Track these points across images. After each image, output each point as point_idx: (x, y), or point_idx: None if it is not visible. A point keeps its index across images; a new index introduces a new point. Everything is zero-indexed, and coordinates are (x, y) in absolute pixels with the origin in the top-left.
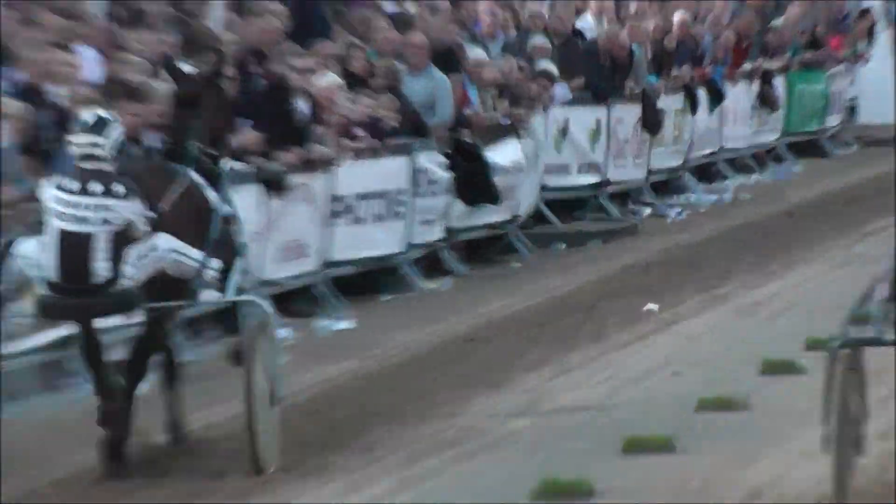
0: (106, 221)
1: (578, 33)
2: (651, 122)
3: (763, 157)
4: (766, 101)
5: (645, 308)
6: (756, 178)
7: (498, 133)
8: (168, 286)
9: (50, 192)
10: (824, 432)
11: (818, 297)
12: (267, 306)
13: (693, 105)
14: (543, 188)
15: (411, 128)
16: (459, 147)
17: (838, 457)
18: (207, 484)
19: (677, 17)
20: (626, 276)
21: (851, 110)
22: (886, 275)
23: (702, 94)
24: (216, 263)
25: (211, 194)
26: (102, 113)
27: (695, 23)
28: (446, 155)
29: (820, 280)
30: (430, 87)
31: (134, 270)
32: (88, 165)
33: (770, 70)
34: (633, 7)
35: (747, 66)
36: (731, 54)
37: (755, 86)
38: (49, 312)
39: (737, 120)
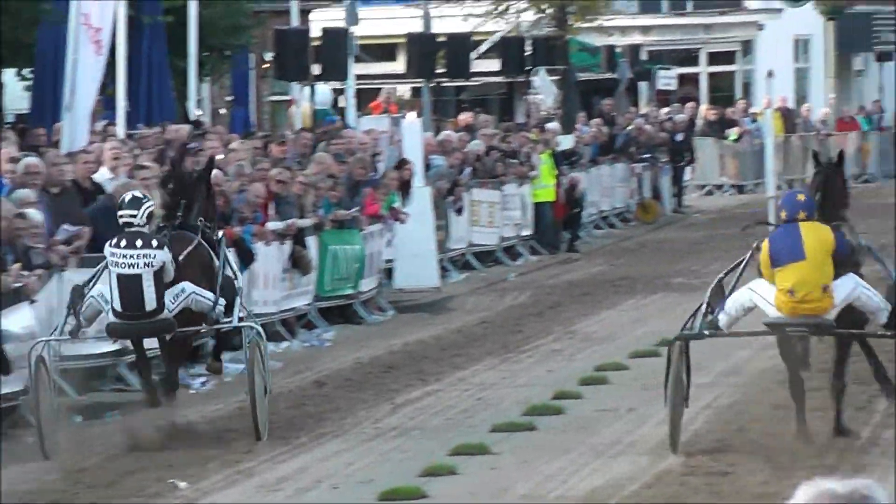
0: (147, 265)
1: (97, 186)
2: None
3: (293, 324)
4: (297, 262)
5: (170, 481)
6: (286, 346)
7: (9, 298)
8: (193, 316)
9: (108, 250)
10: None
11: (346, 473)
12: (259, 329)
13: None
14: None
15: None
16: None
17: (673, 409)
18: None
19: None
20: (147, 451)
21: (388, 273)
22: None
23: (230, 255)
24: (223, 301)
25: (211, 252)
26: (137, 193)
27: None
28: None
29: (348, 455)
30: None
31: (171, 305)
32: (130, 229)
33: (302, 229)
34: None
35: (278, 223)
36: (262, 210)
37: (287, 246)
38: (115, 334)
39: (267, 283)
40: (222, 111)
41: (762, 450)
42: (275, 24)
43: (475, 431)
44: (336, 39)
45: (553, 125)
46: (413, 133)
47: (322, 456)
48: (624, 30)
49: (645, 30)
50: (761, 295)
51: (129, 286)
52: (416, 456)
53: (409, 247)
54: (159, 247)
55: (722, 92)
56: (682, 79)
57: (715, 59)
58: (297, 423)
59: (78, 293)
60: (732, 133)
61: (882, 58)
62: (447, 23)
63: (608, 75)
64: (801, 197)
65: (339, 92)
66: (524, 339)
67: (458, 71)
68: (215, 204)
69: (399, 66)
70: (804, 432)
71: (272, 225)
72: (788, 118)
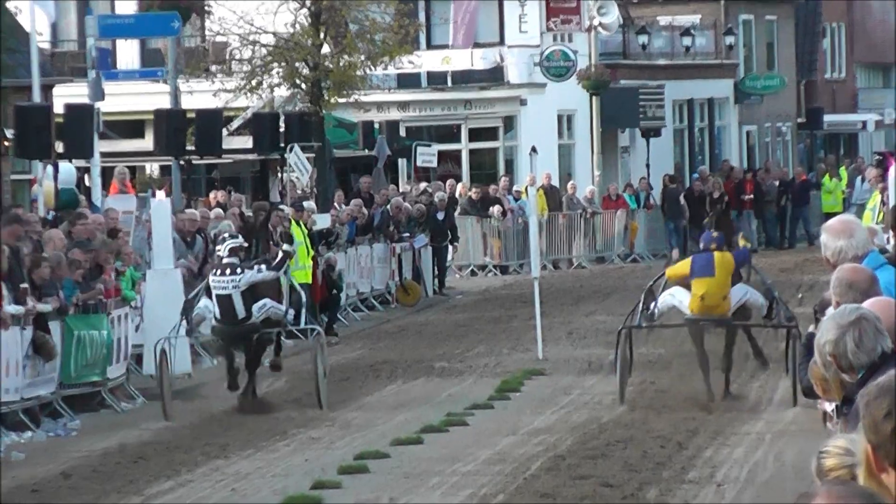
0: (234, 287)
1: None
2: None
3: (37, 413)
4: (40, 349)
5: None
6: (30, 436)
7: None
8: (272, 321)
9: (211, 277)
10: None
11: None
12: (320, 329)
13: None
14: None
15: None
16: None
17: (621, 376)
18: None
19: None
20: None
21: (138, 359)
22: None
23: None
24: (292, 311)
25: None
26: (226, 235)
27: None
28: None
29: None
30: None
31: (257, 314)
32: (226, 261)
33: (44, 313)
34: None
35: (18, 308)
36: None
37: (28, 331)
38: (218, 335)
39: (8, 370)
40: None
41: None
42: (15, 100)
43: None
44: (80, 116)
45: (309, 204)
46: (162, 212)
47: None
48: (381, 105)
49: (403, 105)
50: (679, 299)
51: (224, 302)
52: None
53: (158, 332)
54: (244, 272)
55: (484, 169)
56: (443, 155)
57: (476, 135)
58: None
59: (188, 304)
60: (495, 212)
61: (648, 134)
62: (197, 98)
63: (366, 152)
64: (715, 234)
65: (84, 170)
66: (281, 426)
67: (209, 148)
68: (269, 242)
69: (147, 143)
70: (709, 392)
71: (12, 309)
72: (553, 196)
